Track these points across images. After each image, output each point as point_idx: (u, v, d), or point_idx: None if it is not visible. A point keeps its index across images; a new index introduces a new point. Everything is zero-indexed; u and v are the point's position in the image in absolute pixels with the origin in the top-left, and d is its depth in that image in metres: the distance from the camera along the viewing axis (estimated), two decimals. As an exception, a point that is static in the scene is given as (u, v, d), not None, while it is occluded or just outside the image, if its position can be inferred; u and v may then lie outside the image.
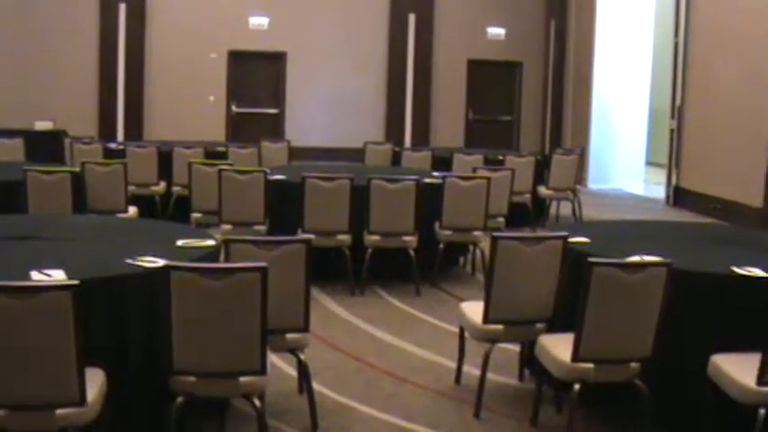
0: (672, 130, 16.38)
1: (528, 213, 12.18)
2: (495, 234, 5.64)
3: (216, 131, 19.65)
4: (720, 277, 5.36)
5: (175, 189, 11.91)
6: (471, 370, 6.14)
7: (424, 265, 9.00)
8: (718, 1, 15.06)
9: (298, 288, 5.19)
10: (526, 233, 5.93)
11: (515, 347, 6.41)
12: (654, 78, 19.69)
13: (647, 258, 5.35)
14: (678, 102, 16.12)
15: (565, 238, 5.65)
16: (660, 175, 17.56)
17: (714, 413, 5.09)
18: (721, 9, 14.93)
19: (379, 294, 8.80)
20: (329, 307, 8.28)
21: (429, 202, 8.99)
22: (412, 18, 20.88)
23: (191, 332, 4.46)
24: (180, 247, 5.46)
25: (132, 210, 9.92)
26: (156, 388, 4.68)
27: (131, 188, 10.72)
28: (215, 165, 9.82)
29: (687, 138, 15.98)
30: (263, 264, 4.46)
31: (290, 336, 5.27)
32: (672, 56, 16.38)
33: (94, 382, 4.21)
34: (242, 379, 4.58)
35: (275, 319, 4.80)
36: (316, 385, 5.75)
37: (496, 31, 21.66)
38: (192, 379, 4.54)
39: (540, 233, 6.17)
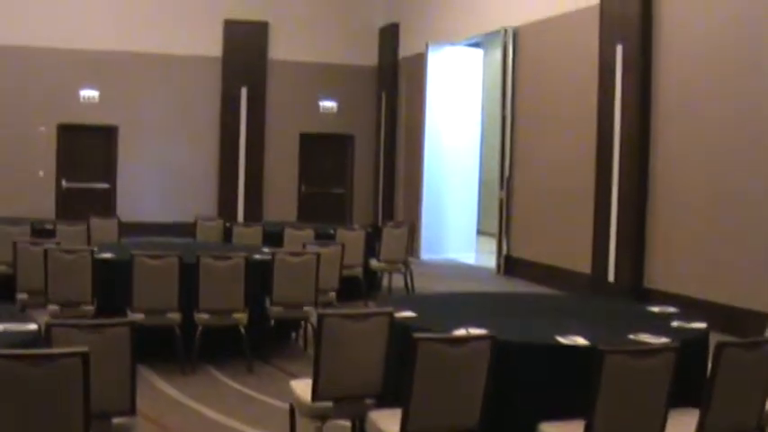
0: (501, 201, 16.74)
1: (360, 286, 12.25)
2: (321, 312, 5.67)
3: (46, 207, 19.22)
4: (544, 347, 5.50)
5: (0, 268, 11.56)
6: (304, 448, 6.11)
7: (256, 342, 8.95)
8: (542, 76, 15.56)
9: (123, 371, 5.09)
10: (353, 309, 5.95)
11: (347, 423, 6.41)
12: (483, 149, 20.16)
13: (473, 331, 5.44)
14: (506, 172, 16.51)
15: (390, 313, 5.71)
16: (491, 245, 17.88)
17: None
18: (544, 84, 15.42)
19: (211, 373, 8.69)
20: (160, 387, 8.14)
21: (259, 278, 8.97)
22: (244, 91, 20.94)
23: (9, 423, 4.31)
24: (-1, 333, 5.32)
25: (-47, 292, 9.59)
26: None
27: (-48, 269, 10.40)
28: (41, 244, 9.60)
29: (516, 207, 16.37)
30: (83, 348, 4.35)
31: (116, 420, 5.15)
32: (500, 128, 16.79)
33: None
34: (65, 468, 4.45)
35: (100, 402, 4.70)
36: (144, 469, 5.65)
37: (329, 104, 21.90)
38: (13, 471, 4.39)
39: (367, 309, 6.21)
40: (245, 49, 20.99)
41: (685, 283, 11.79)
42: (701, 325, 6.20)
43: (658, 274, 12.48)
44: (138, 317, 8.26)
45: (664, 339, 5.52)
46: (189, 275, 8.60)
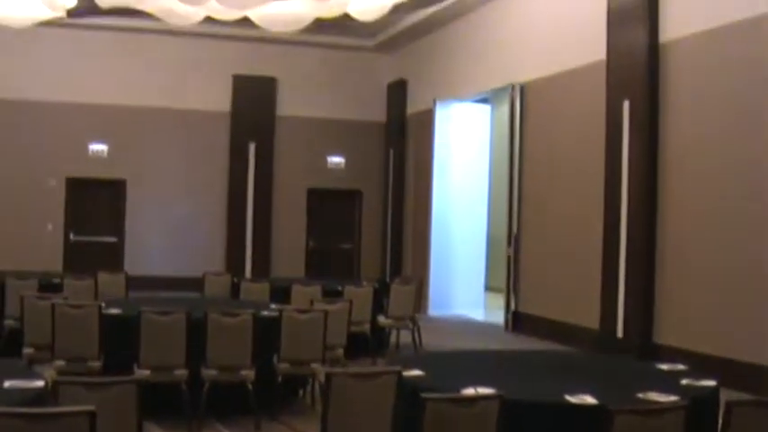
0: (509, 256, 16.71)
1: (367, 342, 12.20)
2: (329, 371, 5.65)
3: (53, 260, 19.26)
4: (553, 406, 5.47)
5: (8, 322, 11.54)
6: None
7: (264, 398, 8.89)
8: (549, 132, 15.59)
9: (130, 428, 5.07)
10: (361, 368, 5.93)
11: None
12: (491, 204, 20.15)
13: (481, 390, 5.42)
14: (514, 228, 16.49)
15: (398, 372, 5.68)
16: (500, 300, 17.80)
17: None
18: (552, 140, 15.46)
19: (218, 430, 8.62)
20: (166, 444, 8.11)
21: (267, 335, 8.92)
22: (252, 146, 21.03)
23: (15, 481, 4.30)
24: (6, 389, 5.30)
25: (-40, 346, 9.59)
26: None
27: (-41, 322, 10.39)
28: (48, 298, 9.59)
29: (524, 263, 16.33)
30: (90, 407, 4.35)
31: (121, 479, 5.13)
32: (507, 183, 16.80)
33: None
34: None
35: (105, 461, 4.68)
36: None
37: (336, 160, 21.97)
38: None
39: (375, 368, 6.19)
40: (253, 105, 21.12)
41: (696, 338, 11.72)
42: (711, 383, 6.17)
43: (668, 330, 12.42)
44: (145, 373, 8.23)
45: (673, 398, 5.50)
46: (196, 332, 8.56)
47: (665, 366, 6.96)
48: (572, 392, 5.57)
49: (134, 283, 13.72)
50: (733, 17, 11.37)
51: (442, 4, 16.18)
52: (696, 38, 12.08)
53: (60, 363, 8.78)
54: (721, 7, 11.61)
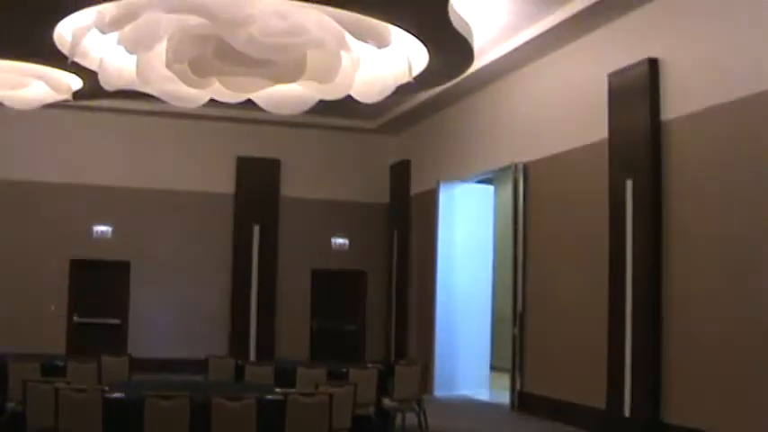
0: (514, 336, 16.62)
1: (372, 426, 12.07)
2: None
3: (57, 342, 19.18)
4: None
5: (10, 405, 11.47)
6: None
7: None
8: (553, 211, 15.60)
9: None
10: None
11: None
12: (495, 284, 20.11)
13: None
14: (519, 308, 16.43)
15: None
16: (505, 380, 17.67)
17: None
18: (556, 219, 15.47)
19: None
20: None
21: (271, 418, 8.87)
22: (256, 228, 21.05)
23: None
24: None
25: (-38, 430, 9.53)
26: None
27: (-38, 407, 10.33)
28: (51, 382, 9.55)
29: (529, 343, 16.24)
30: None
31: None
32: (512, 262, 16.78)
33: None
34: None
35: None
36: None
37: (340, 241, 21.98)
38: None
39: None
40: (257, 186, 21.20)
41: (704, 416, 11.58)
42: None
43: (676, 409, 12.29)
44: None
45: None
46: (200, 416, 8.51)
47: (673, 448, 6.90)
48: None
49: (138, 365, 13.66)
50: (734, 94, 11.41)
51: (444, 87, 16.27)
52: (698, 116, 12.12)
53: (63, 448, 8.73)
54: (722, 85, 11.66)
